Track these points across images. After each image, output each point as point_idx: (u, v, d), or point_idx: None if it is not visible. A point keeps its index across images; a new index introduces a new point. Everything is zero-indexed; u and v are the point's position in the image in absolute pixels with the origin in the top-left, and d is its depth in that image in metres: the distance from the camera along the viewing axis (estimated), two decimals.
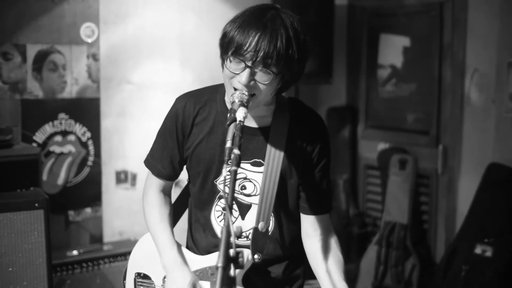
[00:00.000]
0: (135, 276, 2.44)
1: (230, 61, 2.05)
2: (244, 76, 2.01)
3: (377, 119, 5.36)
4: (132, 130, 4.58)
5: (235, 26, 2.04)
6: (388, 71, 5.24)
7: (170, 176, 2.37)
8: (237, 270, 1.67)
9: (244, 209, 2.27)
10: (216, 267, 1.48)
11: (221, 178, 2.27)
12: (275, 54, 1.99)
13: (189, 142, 2.28)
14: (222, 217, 2.31)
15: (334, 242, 2.31)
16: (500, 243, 4.15)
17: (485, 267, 4.14)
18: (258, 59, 1.99)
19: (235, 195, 2.24)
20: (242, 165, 2.20)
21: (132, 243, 2.52)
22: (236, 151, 1.81)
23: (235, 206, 2.26)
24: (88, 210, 4.46)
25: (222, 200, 2.29)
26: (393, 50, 5.21)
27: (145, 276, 2.42)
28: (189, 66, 4.78)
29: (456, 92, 4.66)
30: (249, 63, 2.01)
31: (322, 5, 5.02)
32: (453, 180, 4.73)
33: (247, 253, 2.21)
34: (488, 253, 4.17)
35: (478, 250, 4.23)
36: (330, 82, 5.18)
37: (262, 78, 2.03)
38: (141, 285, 2.43)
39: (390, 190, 4.97)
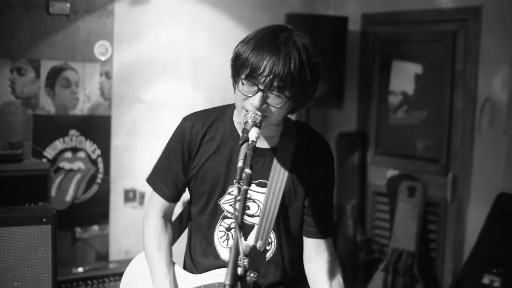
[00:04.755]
0: None
1: (243, 84, 2.04)
2: (257, 99, 2.01)
3: (387, 145, 5.35)
4: (142, 149, 4.59)
5: (248, 48, 2.03)
6: (400, 98, 5.24)
7: (173, 197, 2.35)
8: None
9: (246, 229, 2.24)
10: (224, 285, 1.47)
11: (225, 197, 2.25)
12: (289, 78, 1.99)
13: (195, 161, 2.26)
14: (225, 237, 2.28)
15: (335, 267, 2.29)
16: (509, 273, 4.11)
17: None
18: (271, 83, 1.99)
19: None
20: None
21: None
22: (247, 170, 1.81)
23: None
24: (95, 227, 4.46)
25: (226, 220, 2.27)
26: (405, 77, 5.22)
27: None
28: (201, 87, 4.80)
29: (467, 121, 4.65)
30: (262, 87, 2.00)
31: (335, 31, 5.06)
32: (461, 209, 4.70)
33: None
34: (496, 284, 4.13)
35: (486, 280, 4.19)
36: (341, 107, 5.19)
37: (275, 101, 2.03)
38: None
39: (398, 217, 4.95)
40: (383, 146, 5.38)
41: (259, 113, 2.02)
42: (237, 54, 2.08)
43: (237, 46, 2.09)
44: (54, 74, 4.23)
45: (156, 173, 2.38)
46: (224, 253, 2.28)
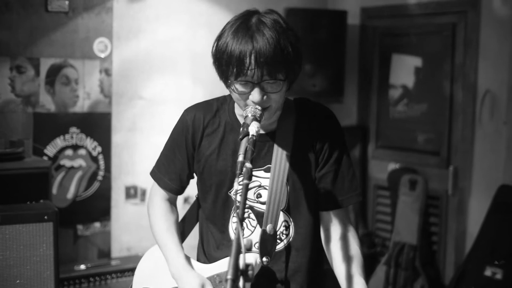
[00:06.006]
0: None
1: (236, 87, 2.04)
2: (257, 94, 2.00)
3: (388, 139, 5.35)
4: (142, 146, 4.59)
5: (224, 48, 2.03)
6: (400, 91, 5.23)
7: (176, 189, 2.35)
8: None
9: (260, 217, 2.21)
10: (226, 280, 1.48)
11: (235, 188, 2.23)
12: (276, 61, 1.97)
13: (200, 154, 2.25)
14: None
15: (351, 237, 2.21)
16: (510, 265, 4.12)
17: None
18: (262, 73, 1.98)
19: (252, 204, 2.21)
20: (255, 172, 2.16)
21: (139, 258, 2.50)
22: (248, 164, 1.80)
23: (252, 216, 2.22)
24: (97, 224, 4.46)
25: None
26: (404, 70, 5.21)
27: None
28: (201, 82, 4.80)
29: (467, 113, 4.65)
30: (256, 80, 1.99)
31: (334, 25, 5.05)
32: (463, 201, 4.70)
33: (255, 257, 2.16)
34: (498, 276, 4.14)
35: (488, 272, 4.20)
36: (341, 101, 5.18)
37: (273, 88, 2.02)
38: None
39: (400, 210, 4.95)
40: (384, 140, 5.38)
41: (259, 107, 2.01)
42: (217, 57, 2.07)
43: (212, 49, 2.10)
44: (54, 72, 4.23)
45: (159, 166, 2.37)
46: None
